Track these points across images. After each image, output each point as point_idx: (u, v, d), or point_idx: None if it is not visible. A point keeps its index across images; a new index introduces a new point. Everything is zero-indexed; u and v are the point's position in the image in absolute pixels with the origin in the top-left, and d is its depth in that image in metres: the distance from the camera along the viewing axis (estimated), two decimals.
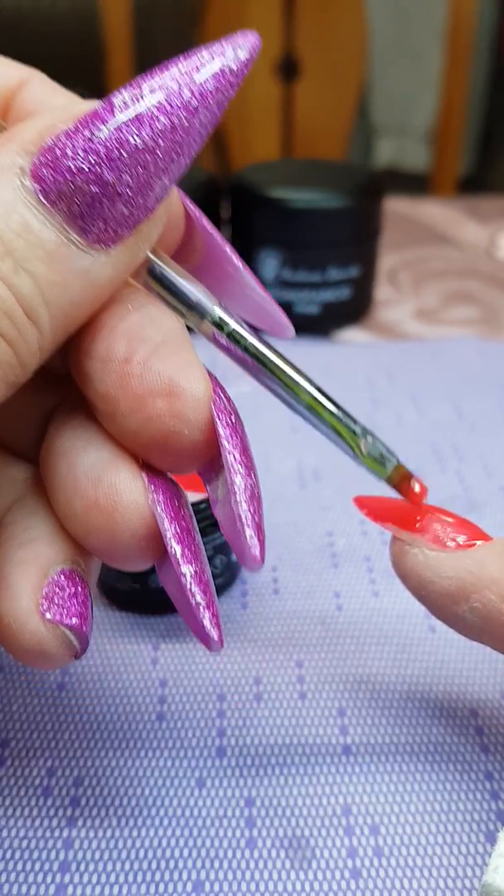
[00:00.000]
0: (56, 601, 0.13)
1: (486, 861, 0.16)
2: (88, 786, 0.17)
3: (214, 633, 0.13)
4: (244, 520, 0.13)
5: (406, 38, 1.38)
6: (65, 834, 0.16)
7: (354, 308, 0.39)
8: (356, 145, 1.48)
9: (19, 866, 0.16)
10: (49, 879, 0.16)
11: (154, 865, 0.16)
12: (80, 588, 0.14)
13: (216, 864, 0.16)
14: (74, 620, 0.13)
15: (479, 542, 0.15)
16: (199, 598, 0.13)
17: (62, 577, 0.14)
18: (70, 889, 0.15)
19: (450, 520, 0.16)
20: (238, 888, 0.16)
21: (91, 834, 0.16)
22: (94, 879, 0.16)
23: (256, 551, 0.13)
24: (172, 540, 0.13)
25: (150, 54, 1.20)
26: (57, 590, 0.13)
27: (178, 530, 0.13)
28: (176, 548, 0.13)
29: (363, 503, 0.17)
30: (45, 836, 0.16)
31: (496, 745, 0.18)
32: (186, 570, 0.13)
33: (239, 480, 0.13)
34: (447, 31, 1.08)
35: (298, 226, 0.36)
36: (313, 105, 1.28)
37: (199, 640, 0.14)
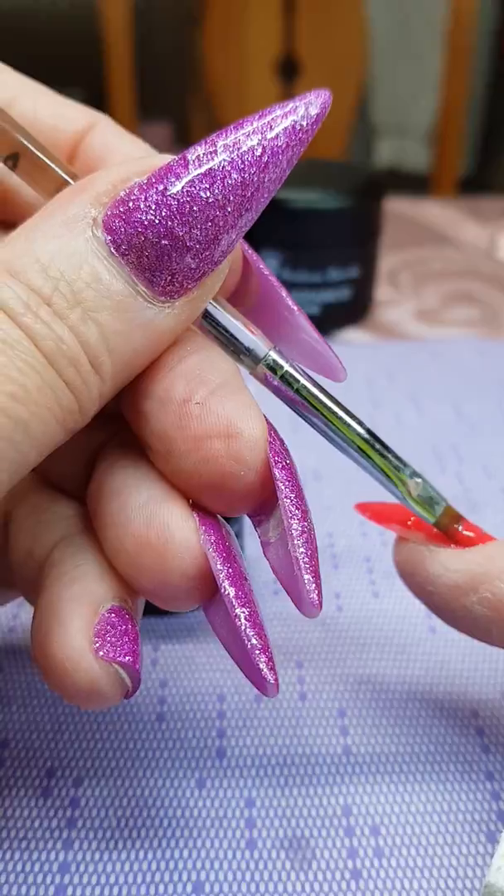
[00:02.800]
0: (108, 639, 0.13)
1: (486, 862, 0.16)
2: (88, 787, 0.17)
3: (271, 677, 0.13)
4: (302, 565, 0.13)
5: (406, 38, 1.38)
6: (64, 835, 0.16)
7: (355, 308, 0.39)
8: (356, 145, 1.48)
9: (19, 867, 0.16)
10: (49, 880, 0.16)
11: (154, 866, 0.16)
12: (130, 626, 0.13)
13: (216, 865, 0.16)
14: (128, 658, 0.13)
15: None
16: (254, 641, 0.13)
17: (113, 614, 0.13)
18: (70, 890, 0.15)
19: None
20: (238, 889, 0.16)
21: (91, 835, 0.16)
22: (94, 880, 0.16)
23: (314, 596, 0.13)
24: (226, 581, 0.13)
25: (150, 55, 1.20)
26: (109, 627, 0.13)
27: (232, 571, 0.13)
28: (230, 589, 0.13)
29: (366, 508, 0.17)
30: (45, 836, 0.16)
31: (497, 746, 0.18)
32: (241, 612, 0.13)
33: (296, 524, 0.13)
34: (447, 31, 1.08)
35: (298, 226, 0.36)
36: None
37: (254, 685, 0.13)
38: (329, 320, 0.39)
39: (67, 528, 0.15)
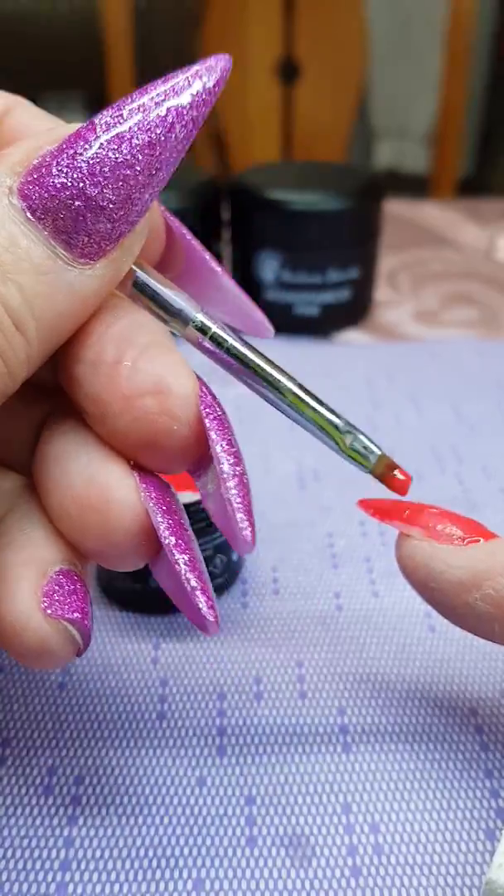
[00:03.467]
0: (56, 598, 0.14)
1: (486, 859, 0.16)
2: (89, 784, 0.17)
3: (210, 616, 0.14)
4: (234, 504, 0.13)
5: (406, 40, 1.38)
6: (66, 832, 0.16)
7: (354, 310, 0.40)
8: (356, 147, 1.48)
9: (20, 865, 0.16)
10: (50, 878, 0.16)
11: (154, 864, 0.16)
12: (78, 585, 0.14)
13: (216, 863, 0.16)
14: (76, 615, 0.14)
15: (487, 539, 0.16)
16: (193, 583, 0.14)
17: (60, 575, 0.14)
18: (71, 887, 0.16)
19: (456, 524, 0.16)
20: (238, 886, 0.16)
21: (92, 832, 0.16)
22: (95, 878, 0.16)
23: (248, 533, 0.13)
24: (167, 531, 0.13)
25: (151, 57, 1.20)
26: (56, 587, 0.14)
27: (172, 523, 0.13)
28: (170, 539, 0.13)
29: (368, 505, 0.17)
30: (46, 834, 0.16)
31: (496, 744, 0.18)
32: (181, 558, 0.13)
33: (227, 468, 0.13)
34: (447, 33, 1.08)
35: (298, 227, 0.36)
36: (313, 107, 1.29)
37: (196, 625, 0.14)
38: (329, 321, 0.39)
39: (14, 499, 0.15)
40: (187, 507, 0.16)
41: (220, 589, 0.23)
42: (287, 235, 0.37)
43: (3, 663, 0.20)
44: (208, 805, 0.17)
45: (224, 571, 0.22)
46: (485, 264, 0.49)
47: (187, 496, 0.19)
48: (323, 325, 0.39)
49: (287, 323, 0.39)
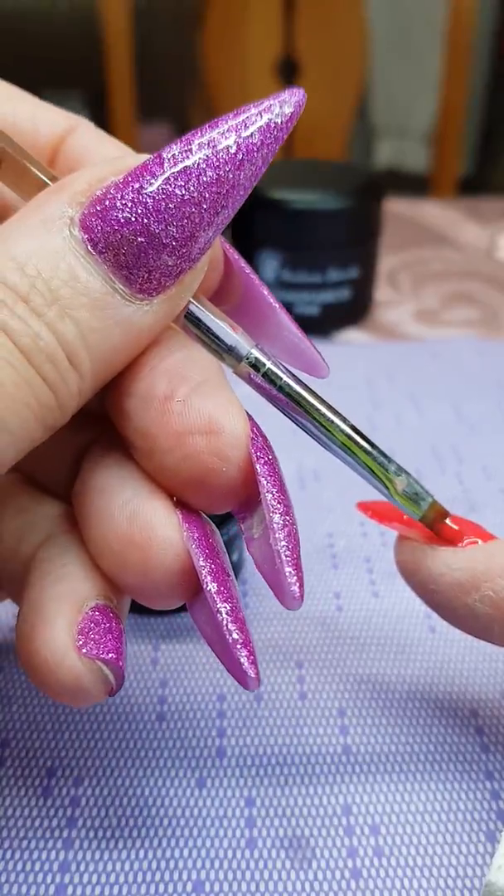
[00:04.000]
0: (92, 636, 0.13)
1: (486, 861, 0.16)
2: (88, 786, 0.17)
3: (252, 672, 0.13)
4: (283, 558, 0.13)
5: (406, 39, 1.38)
6: (65, 834, 0.16)
7: (354, 309, 0.39)
8: (356, 146, 1.48)
9: (19, 866, 0.16)
10: (49, 879, 0.16)
11: (154, 865, 0.16)
12: (114, 623, 0.14)
13: (216, 864, 0.16)
14: (111, 655, 0.13)
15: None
16: (236, 635, 0.13)
17: (97, 612, 0.14)
18: (70, 889, 0.15)
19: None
20: (238, 888, 0.16)
21: (91, 834, 0.16)
22: (94, 879, 0.16)
23: (296, 589, 0.13)
24: (208, 577, 0.13)
25: (151, 56, 1.20)
26: (92, 625, 0.13)
27: (214, 567, 0.13)
28: (212, 585, 0.13)
29: (367, 507, 0.17)
30: (46, 836, 0.16)
31: (496, 745, 0.18)
32: (223, 607, 0.13)
33: (278, 518, 0.13)
34: (447, 32, 1.08)
35: (298, 227, 0.36)
36: (313, 106, 1.28)
37: (235, 678, 0.13)
38: (329, 321, 0.39)
39: (52, 527, 0.15)
40: None
41: None
42: (287, 234, 0.37)
43: (3, 664, 0.20)
44: (208, 806, 0.17)
45: None
46: (485, 263, 0.49)
47: None
48: (323, 325, 0.39)
49: None
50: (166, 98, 1.34)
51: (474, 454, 0.29)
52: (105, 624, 0.13)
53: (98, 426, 0.15)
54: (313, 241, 0.37)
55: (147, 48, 1.16)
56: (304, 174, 0.40)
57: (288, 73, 1.25)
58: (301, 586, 0.13)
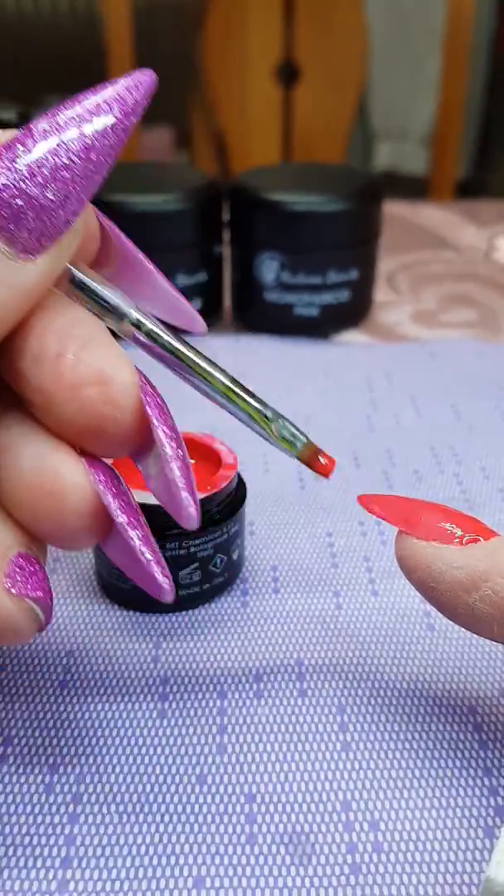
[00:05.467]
0: (19, 579, 0.14)
1: (485, 856, 0.16)
2: (90, 782, 0.18)
3: (166, 584, 0.15)
4: (179, 484, 0.14)
5: (405, 42, 1.38)
6: (66, 830, 0.17)
7: (354, 311, 0.40)
8: (355, 149, 1.49)
9: (21, 862, 0.16)
10: (51, 875, 0.16)
11: (155, 861, 0.16)
12: (37, 567, 0.15)
13: (217, 860, 0.16)
14: (39, 593, 0.15)
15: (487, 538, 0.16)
16: (148, 555, 0.15)
17: (20, 558, 0.15)
18: (72, 885, 0.16)
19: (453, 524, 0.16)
20: (238, 883, 0.16)
21: (93, 830, 0.17)
22: (96, 875, 0.16)
23: (192, 510, 0.14)
24: (118, 510, 0.14)
25: (152, 60, 1.20)
26: (17, 569, 0.15)
27: (122, 503, 0.14)
28: (122, 517, 0.14)
29: (368, 500, 0.17)
30: (48, 832, 0.17)
31: (495, 742, 0.18)
32: (134, 534, 0.15)
33: (170, 450, 0.14)
34: (446, 35, 1.09)
35: (298, 229, 0.37)
36: (313, 109, 1.29)
37: (152, 594, 0.15)
38: (328, 322, 0.39)
39: None
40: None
41: (220, 588, 0.23)
42: (287, 237, 0.37)
43: (5, 661, 0.21)
44: (209, 803, 0.17)
45: (224, 570, 0.23)
46: (483, 265, 0.49)
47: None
48: (323, 326, 0.39)
49: (287, 324, 0.39)
50: (166, 101, 1.34)
51: (473, 454, 0.30)
52: (30, 568, 0.15)
53: None
54: (313, 243, 0.37)
55: (147, 51, 1.17)
56: (303, 177, 0.40)
57: (288, 76, 1.25)
58: (196, 507, 0.14)
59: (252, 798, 0.17)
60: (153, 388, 0.15)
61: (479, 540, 0.16)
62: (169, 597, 0.15)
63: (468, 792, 0.17)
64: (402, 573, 0.17)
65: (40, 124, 0.13)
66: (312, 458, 0.17)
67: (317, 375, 0.35)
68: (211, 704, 0.19)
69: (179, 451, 0.15)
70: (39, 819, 0.17)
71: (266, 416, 0.16)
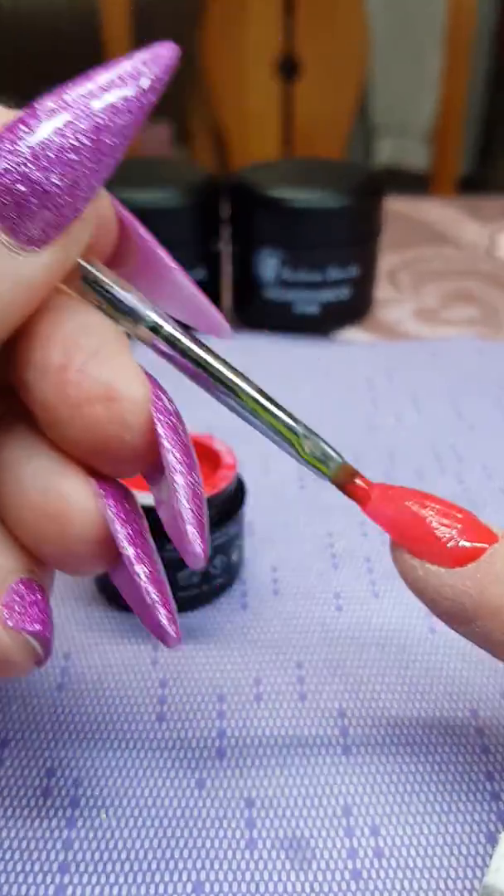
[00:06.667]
0: (17, 609, 0.13)
1: (486, 862, 0.16)
2: (88, 786, 0.17)
3: (171, 630, 0.13)
4: (185, 517, 0.13)
5: (406, 38, 1.37)
6: (64, 835, 0.16)
7: (354, 308, 0.39)
8: (356, 145, 1.48)
9: (18, 867, 0.16)
10: (49, 880, 0.16)
11: (154, 866, 0.16)
12: (38, 596, 0.14)
13: (216, 865, 0.16)
14: (37, 627, 0.14)
15: (482, 546, 0.15)
16: (154, 596, 0.13)
17: (21, 585, 0.14)
18: (69, 890, 0.15)
19: (449, 518, 0.15)
20: (238, 889, 0.16)
21: (91, 835, 0.16)
22: (94, 880, 0.16)
23: (199, 548, 0.13)
24: (125, 542, 0.13)
25: None
26: (16, 598, 0.13)
27: (131, 532, 0.13)
28: (129, 549, 0.13)
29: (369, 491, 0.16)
30: (45, 836, 0.16)
31: (497, 746, 0.18)
32: (140, 570, 0.13)
33: (180, 479, 0.13)
34: (447, 31, 1.08)
35: (298, 225, 0.36)
36: (313, 105, 1.28)
37: (156, 637, 0.14)
38: (329, 319, 0.39)
39: None
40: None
41: (220, 589, 0.23)
42: (287, 233, 0.36)
43: None
44: (208, 807, 0.17)
45: (224, 571, 0.22)
46: (485, 262, 0.49)
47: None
48: (323, 324, 0.39)
49: (287, 321, 0.38)
50: (166, 97, 1.33)
51: (474, 453, 0.29)
52: (30, 597, 0.14)
53: (6, 399, 0.15)
54: (313, 239, 0.37)
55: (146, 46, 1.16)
56: (304, 173, 0.40)
57: (288, 72, 1.24)
58: (204, 546, 0.13)
59: (251, 803, 0.17)
60: (169, 402, 0.13)
61: (477, 546, 0.15)
62: (173, 643, 0.14)
63: (469, 797, 0.17)
64: None
65: (46, 103, 0.12)
66: (348, 481, 0.15)
67: (317, 374, 0.35)
68: (210, 707, 0.19)
69: (190, 478, 0.13)
70: (37, 823, 0.17)
71: (296, 433, 0.14)
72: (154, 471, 0.14)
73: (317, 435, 0.15)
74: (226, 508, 0.22)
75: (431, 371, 0.35)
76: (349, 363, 0.36)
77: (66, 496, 0.13)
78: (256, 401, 0.14)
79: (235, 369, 0.14)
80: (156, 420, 0.13)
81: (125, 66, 0.12)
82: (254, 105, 1.26)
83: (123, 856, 0.16)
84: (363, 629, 0.22)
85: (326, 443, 0.15)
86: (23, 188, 0.12)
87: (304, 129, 1.29)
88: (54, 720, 0.19)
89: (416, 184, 1.25)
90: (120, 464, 0.13)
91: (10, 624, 0.13)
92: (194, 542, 0.13)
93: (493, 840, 0.16)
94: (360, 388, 0.34)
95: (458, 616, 0.15)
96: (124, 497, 0.13)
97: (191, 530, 0.13)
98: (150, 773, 0.18)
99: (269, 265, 0.37)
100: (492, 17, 1.35)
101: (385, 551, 0.24)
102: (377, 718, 0.19)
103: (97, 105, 0.12)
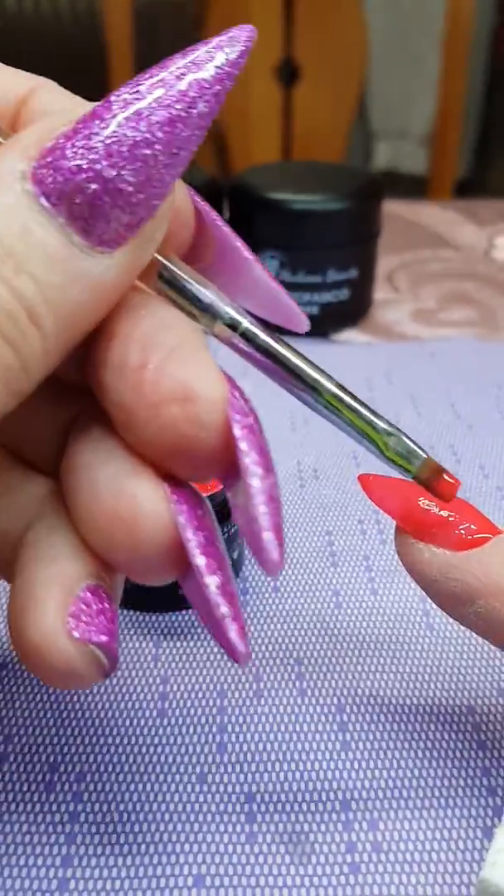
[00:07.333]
0: (83, 619, 0.13)
1: (483, 856, 0.16)
2: (90, 781, 0.18)
3: (241, 646, 0.13)
4: (262, 524, 0.12)
5: (405, 42, 1.38)
6: (67, 829, 0.17)
7: (353, 309, 0.40)
8: (355, 148, 1.49)
9: (21, 861, 0.16)
10: (51, 874, 0.16)
11: (155, 860, 0.16)
12: (106, 604, 0.13)
13: (217, 859, 0.16)
14: (103, 638, 0.13)
15: (488, 536, 0.15)
16: (224, 610, 0.13)
17: (88, 593, 0.13)
18: (72, 883, 0.16)
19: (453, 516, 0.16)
20: (238, 882, 0.16)
21: (93, 829, 0.17)
22: (96, 874, 0.16)
23: (275, 555, 0.12)
24: (196, 550, 0.13)
25: (152, 57, 1.20)
26: (83, 607, 0.13)
27: (203, 540, 0.13)
28: (200, 559, 0.13)
29: (370, 483, 0.16)
30: (48, 830, 0.17)
31: (493, 742, 0.18)
32: (211, 581, 0.13)
33: (256, 482, 0.12)
34: (445, 34, 1.09)
35: (298, 228, 0.37)
36: (313, 108, 1.29)
37: (225, 652, 0.13)
38: (328, 321, 0.39)
39: (41, 506, 0.15)
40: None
41: None
42: (287, 235, 0.37)
43: (6, 660, 0.21)
44: (209, 802, 0.17)
45: None
46: (483, 264, 0.49)
47: None
48: (322, 325, 0.39)
49: None
50: None
51: (472, 453, 0.30)
52: (97, 605, 0.13)
53: (82, 399, 0.15)
54: (313, 241, 0.37)
55: (148, 50, 1.17)
56: (303, 175, 0.40)
57: (288, 76, 1.25)
58: (280, 552, 0.12)
59: (252, 797, 0.17)
60: (246, 402, 0.13)
61: (483, 538, 0.15)
62: (243, 660, 0.13)
63: (467, 792, 0.17)
64: (402, 571, 0.17)
65: (122, 93, 0.11)
66: (433, 478, 0.15)
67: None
68: (211, 703, 0.19)
69: (267, 482, 0.12)
70: (40, 818, 0.17)
71: (378, 431, 0.14)
72: (230, 474, 0.13)
73: (400, 430, 0.14)
74: (226, 506, 0.22)
75: (430, 372, 0.36)
76: (348, 364, 0.36)
77: (139, 499, 0.12)
78: (338, 398, 0.14)
79: (316, 366, 0.14)
80: (232, 421, 0.12)
81: (201, 53, 0.12)
82: (254, 109, 1.27)
83: (125, 850, 0.16)
84: (362, 626, 0.22)
85: (410, 438, 0.14)
86: (96, 187, 0.11)
87: (303, 133, 1.30)
88: (57, 716, 0.19)
89: (414, 187, 1.25)
90: (196, 466, 0.13)
91: (77, 635, 0.13)
92: (272, 549, 0.12)
93: (489, 834, 0.17)
94: (359, 388, 0.34)
95: (461, 596, 0.15)
96: (198, 504, 0.13)
97: (268, 537, 0.12)
98: (152, 768, 0.18)
99: (268, 267, 0.38)
100: (490, 21, 1.36)
101: (384, 549, 0.25)
102: (376, 714, 0.19)
103: (172, 95, 0.12)
